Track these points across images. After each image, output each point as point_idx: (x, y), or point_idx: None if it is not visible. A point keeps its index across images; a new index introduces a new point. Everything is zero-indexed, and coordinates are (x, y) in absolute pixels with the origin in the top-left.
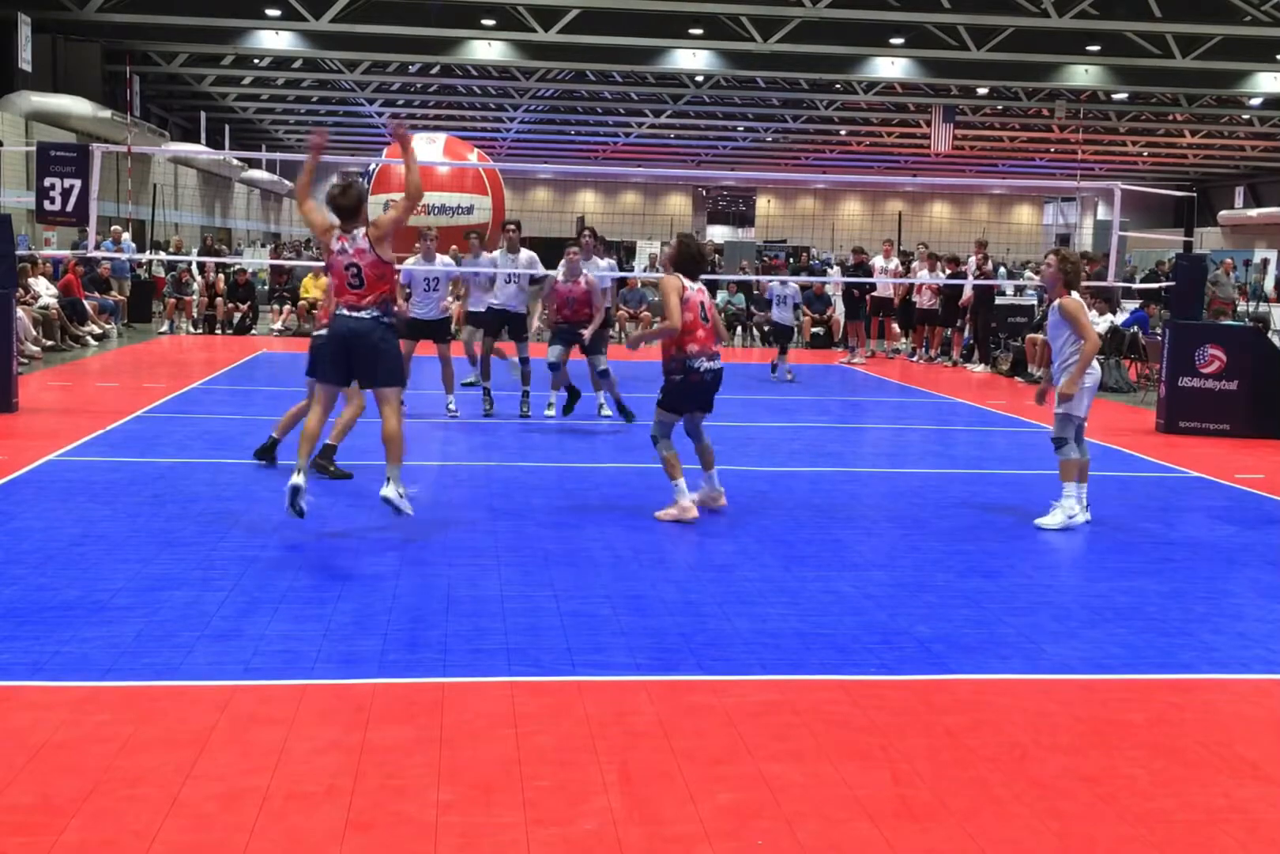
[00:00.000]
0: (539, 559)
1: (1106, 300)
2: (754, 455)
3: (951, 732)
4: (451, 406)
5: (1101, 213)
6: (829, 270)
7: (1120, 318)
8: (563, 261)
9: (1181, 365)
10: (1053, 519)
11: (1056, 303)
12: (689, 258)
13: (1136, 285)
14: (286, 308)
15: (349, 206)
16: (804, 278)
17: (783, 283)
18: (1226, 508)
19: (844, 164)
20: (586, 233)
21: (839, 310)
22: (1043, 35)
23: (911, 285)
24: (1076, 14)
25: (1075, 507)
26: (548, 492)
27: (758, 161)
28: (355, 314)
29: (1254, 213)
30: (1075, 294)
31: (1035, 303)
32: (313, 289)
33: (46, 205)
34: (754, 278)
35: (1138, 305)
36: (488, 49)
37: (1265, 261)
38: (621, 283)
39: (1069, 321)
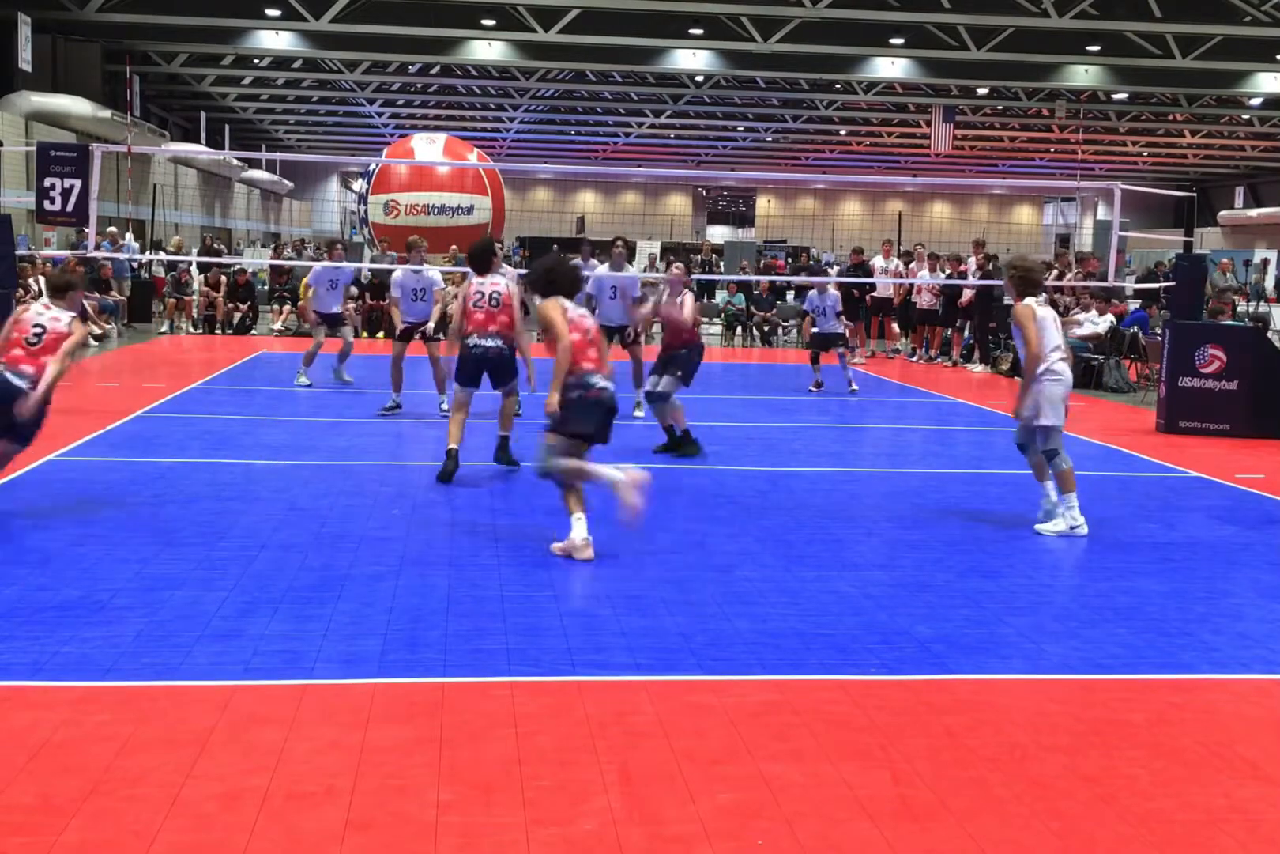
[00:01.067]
0: (539, 559)
1: (1106, 300)
2: (754, 455)
3: (951, 732)
4: (444, 406)
5: (1101, 213)
6: (829, 271)
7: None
8: (662, 284)
9: (1181, 365)
10: (1055, 526)
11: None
12: (559, 280)
13: (1133, 285)
14: (286, 308)
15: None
16: (803, 278)
17: (820, 292)
18: (1226, 508)
19: (844, 164)
20: (619, 243)
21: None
22: (1043, 35)
23: (912, 285)
24: (1076, 14)
25: (1079, 517)
26: (548, 492)
27: (758, 161)
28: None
29: (1254, 213)
30: (1030, 300)
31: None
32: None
33: (46, 205)
34: (754, 278)
35: (1137, 305)
36: (488, 49)
37: (1265, 261)
38: None
39: (1018, 328)
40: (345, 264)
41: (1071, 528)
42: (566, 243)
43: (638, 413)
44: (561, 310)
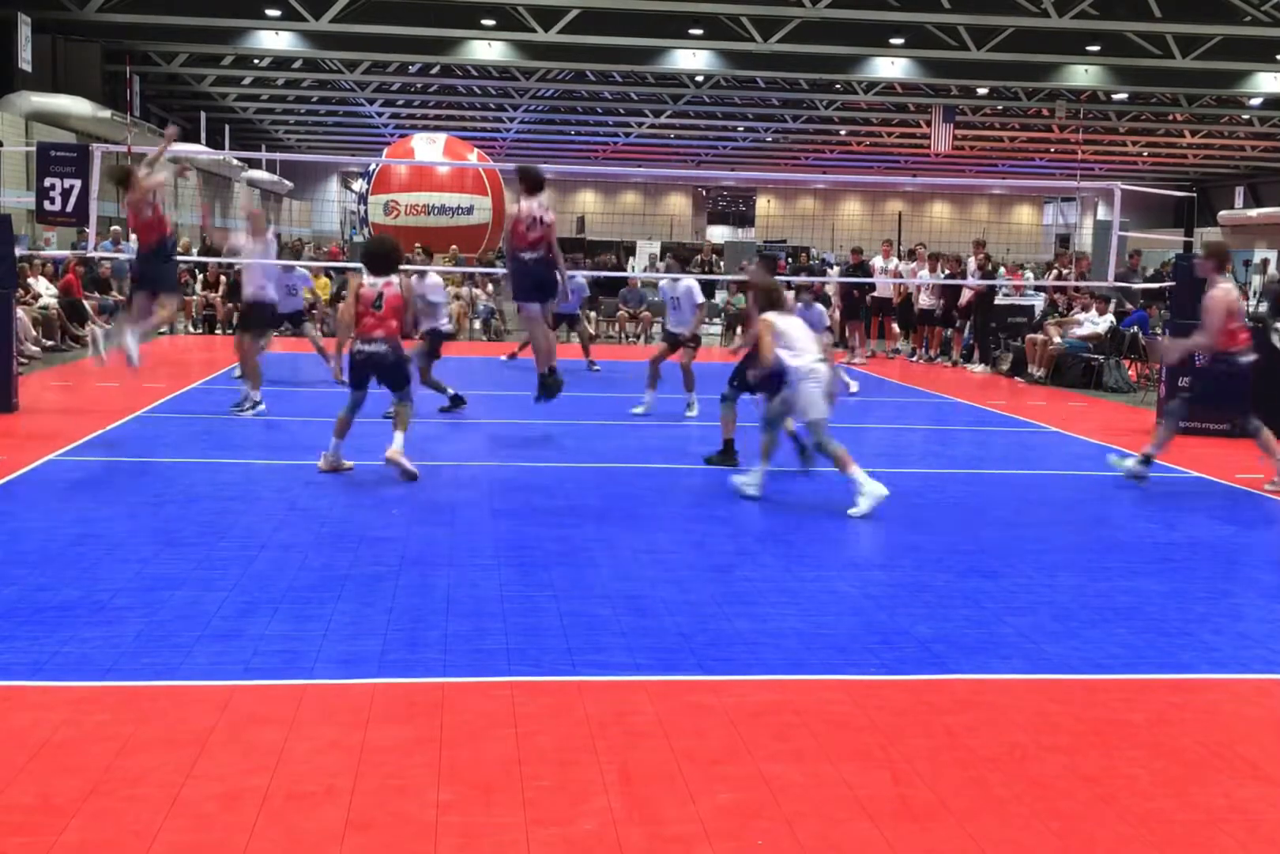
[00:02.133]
0: (539, 559)
1: (1105, 300)
2: (753, 455)
3: (951, 732)
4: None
5: (1101, 213)
6: (829, 270)
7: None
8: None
9: (1182, 365)
10: (861, 507)
11: None
12: (366, 254)
13: (1141, 285)
14: None
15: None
16: (803, 278)
17: (807, 306)
18: (1226, 508)
19: (844, 164)
20: (668, 255)
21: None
22: (1043, 35)
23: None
24: (1076, 14)
25: (869, 482)
26: (548, 492)
27: (758, 161)
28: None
29: (1254, 213)
30: (770, 314)
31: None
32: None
33: (46, 205)
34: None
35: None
36: (488, 49)
37: (1265, 261)
38: (622, 282)
39: (758, 338)
40: (281, 262)
41: (875, 496)
42: (567, 243)
43: (689, 413)
44: (355, 287)
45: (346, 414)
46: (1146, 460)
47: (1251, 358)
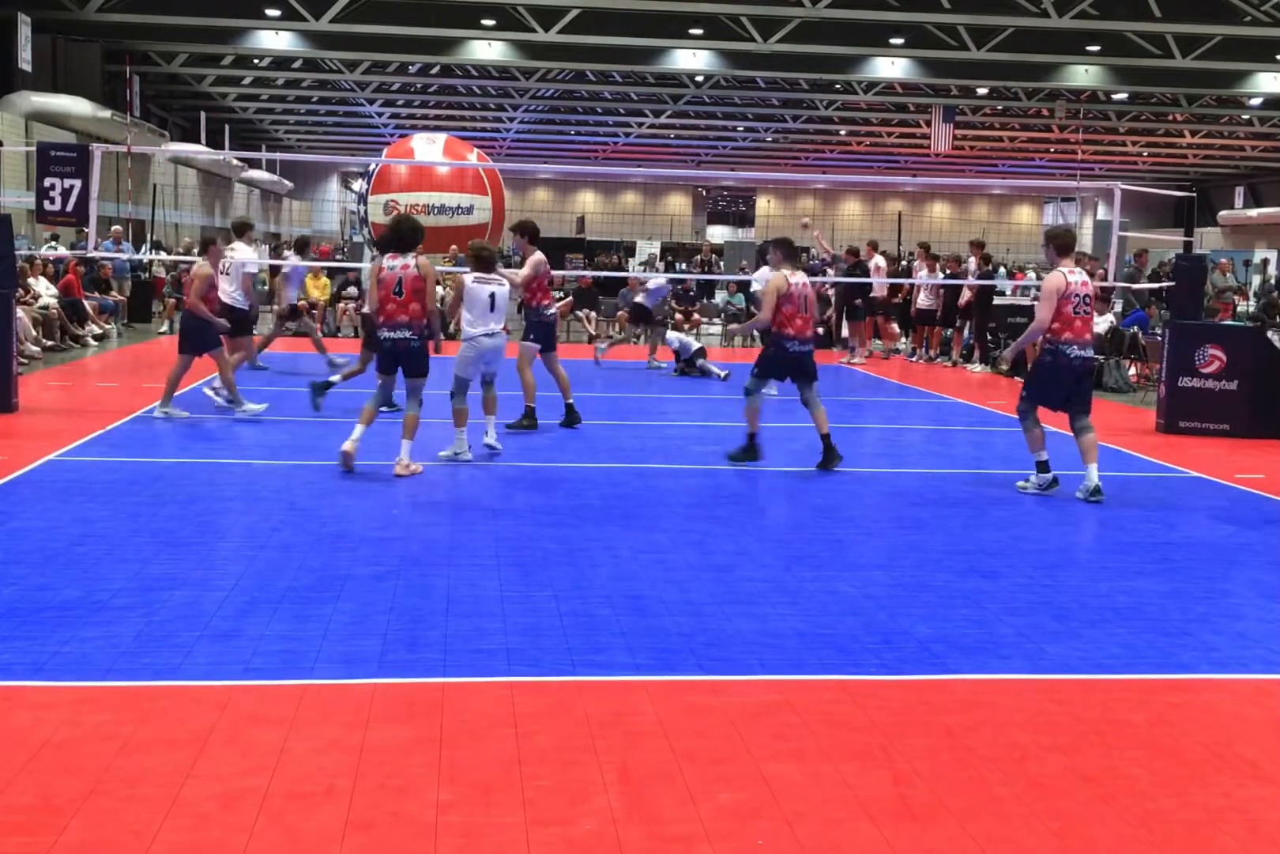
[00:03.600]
0: (539, 559)
1: (1105, 300)
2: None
3: (951, 732)
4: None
5: (1101, 213)
6: (829, 271)
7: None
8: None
9: (1181, 365)
10: (449, 451)
11: None
12: (391, 238)
13: (1138, 285)
14: None
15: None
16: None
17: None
18: (1226, 508)
19: (844, 164)
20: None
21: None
22: (1043, 35)
23: (912, 286)
24: (1076, 14)
25: (464, 446)
26: (548, 492)
27: (758, 161)
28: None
29: (1254, 213)
30: (469, 276)
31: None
32: (313, 289)
33: (46, 205)
34: (754, 277)
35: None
36: (488, 49)
37: (1265, 261)
38: (622, 282)
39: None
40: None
41: (457, 453)
42: (567, 243)
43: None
44: (374, 272)
45: (373, 405)
46: (1042, 467)
47: (1084, 354)
